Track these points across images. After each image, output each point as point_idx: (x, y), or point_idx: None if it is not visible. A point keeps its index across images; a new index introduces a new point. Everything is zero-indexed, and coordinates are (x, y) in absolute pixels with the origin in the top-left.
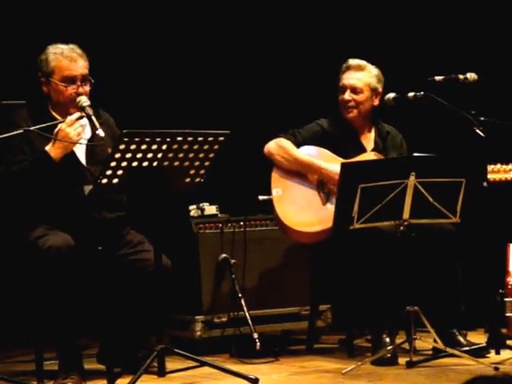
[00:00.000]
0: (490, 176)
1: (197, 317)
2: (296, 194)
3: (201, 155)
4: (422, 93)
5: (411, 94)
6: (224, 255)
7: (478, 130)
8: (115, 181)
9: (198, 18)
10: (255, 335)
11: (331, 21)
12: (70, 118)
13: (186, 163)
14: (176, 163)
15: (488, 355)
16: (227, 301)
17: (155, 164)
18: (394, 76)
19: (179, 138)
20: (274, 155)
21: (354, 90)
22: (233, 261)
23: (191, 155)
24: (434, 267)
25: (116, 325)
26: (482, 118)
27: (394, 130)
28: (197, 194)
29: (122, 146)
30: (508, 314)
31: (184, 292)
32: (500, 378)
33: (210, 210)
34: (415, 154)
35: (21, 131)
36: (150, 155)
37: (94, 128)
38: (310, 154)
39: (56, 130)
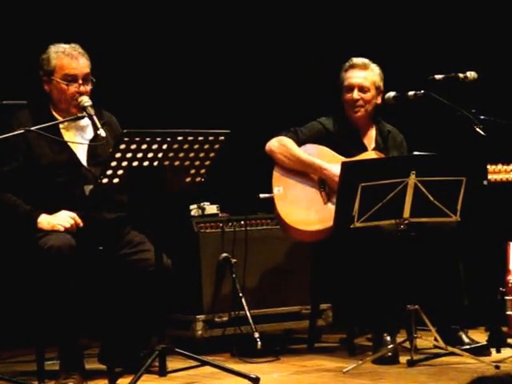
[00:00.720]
0: (491, 176)
1: (198, 316)
2: (297, 192)
3: (201, 154)
4: (422, 91)
5: (411, 93)
6: (225, 254)
7: (478, 129)
8: (116, 180)
9: (198, 17)
10: (256, 334)
11: (331, 19)
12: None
13: (187, 163)
14: (177, 163)
15: (489, 354)
16: (228, 300)
17: (156, 164)
18: (395, 75)
19: (180, 138)
20: (276, 153)
21: (362, 89)
22: (234, 260)
23: (192, 155)
24: (435, 266)
25: (117, 324)
26: (482, 117)
27: (394, 130)
28: (197, 193)
29: (122, 146)
30: (508, 313)
31: (185, 291)
32: (503, 377)
33: (211, 209)
34: (415, 153)
35: (21, 131)
36: (150, 155)
37: (95, 128)
38: (311, 152)
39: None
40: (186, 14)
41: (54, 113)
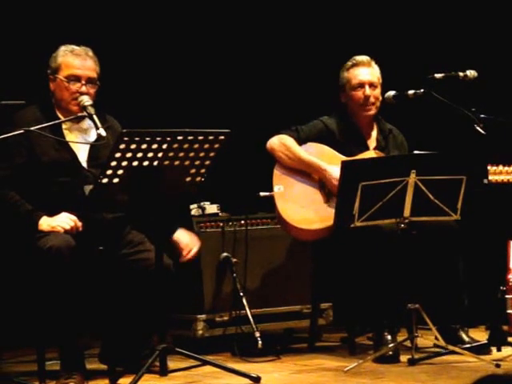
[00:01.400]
0: (492, 177)
1: (198, 316)
2: (298, 191)
3: (201, 154)
4: (422, 90)
5: (411, 92)
6: (225, 254)
7: (478, 128)
8: (116, 180)
9: (197, 15)
10: (257, 334)
11: (331, 18)
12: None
13: (187, 162)
14: (177, 162)
15: (489, 352)
16: (229, 299)
17: (156, 163)
18: (394, 74)
19: (180, 137)
20: (276, 151)
21: (371, 86)
22: (234, 260)
23: (192, 154)
24: (435, 265)
25: (118, 324)
26: (482, 116)
27: (395, 129)
28: (198, 193)
29: (122, 146)
30: (509, 311)
31: (185, 291)
32: (507, 376)
33: (211, 208)
34: (415, 152)
35: (21, 131)
36: (150, 154)
37: (95, 128)
38: (312, 151)
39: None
40: (186, 13)
41: (58, 112)
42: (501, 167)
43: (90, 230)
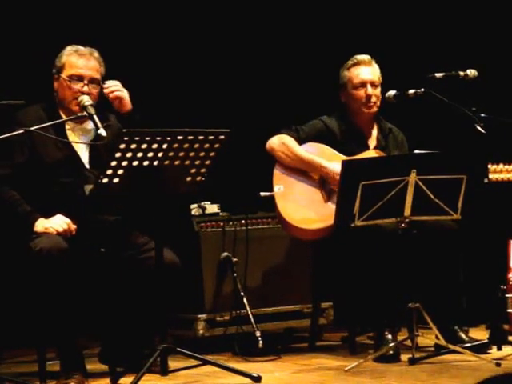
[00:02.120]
0: (493, 176)
1: (199, 315)
2: (298, 191)
3: (202, 154)
4: (423, 90)
5: (411, 91)
6: (226, 254)
7: (478, 127)
8: (116, 180)
9: (198, 16)
10: (258, 333)
11: (331, 18)
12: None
13: (187, 162)
14: (177, 162)
15: (490, 351)
16: (229, 299)
17: (156, 163)
18: (395, 73)
19: (180, 137)
20: (276, 151)
21: (373, 84)
22: (235, 259)
23: (192, 154)
24: (436, 264)
25: (119, 324)
26: (482, 115)
27: (395, 128)
28: (198, 192)
29: (122, 146)
30: (509, 310)
31: (186, 291)
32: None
33: (212, 208)
34: (416, 151)
35: (21, 131)
36: (150, 154)
37: (96, 128)
38: (312, 151)
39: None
40: (187, 13)
41: (61, 112)
42: (501, 165)
43: (91, 232)
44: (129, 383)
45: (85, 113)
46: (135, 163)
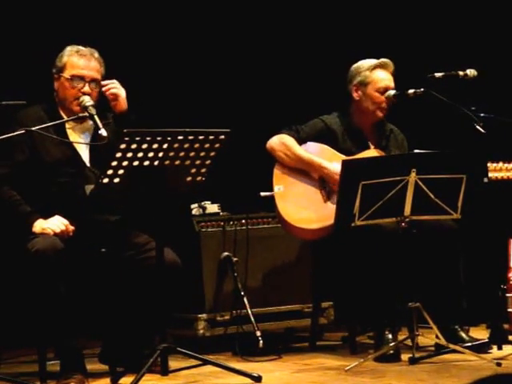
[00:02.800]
0: (492, 175)
1: (199, 315)
2: (298, 191)
3: (202, 154)
4: (422, 89)
5: (411, 91)
6: (226, 253)
7: (478, 127)
8: (117, 180)
9: (198, 16)
10: (258, 333)
11: (331, 17)
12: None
13: (188, 162)
14: (177, 162)
15: (490, 351)
16: (230, 299)
17: (156, 163)
18: (395, 73)
19: (180, 137)
20: (276, 151)
21: (387, 90)
22: (235, 259)
23: (192, 154)
24: (436, 263)
25: (120, 324)
26: (482, 114)
27: (396, 129)
28: (198, 192)
29: (122, 146)
30: (510, 310)
31: (186, 291)
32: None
33: (212, 208)
34: (416, 151)
35: (22, 131)
36: (151, 154)
37: (96, 128)
38: (312, 150)
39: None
40: (187, 13)
41: (61, 112)
42: (501, 164)
43: (91, 232)
44: (129, 383)
45: (86, 113)
46: (136, 163)
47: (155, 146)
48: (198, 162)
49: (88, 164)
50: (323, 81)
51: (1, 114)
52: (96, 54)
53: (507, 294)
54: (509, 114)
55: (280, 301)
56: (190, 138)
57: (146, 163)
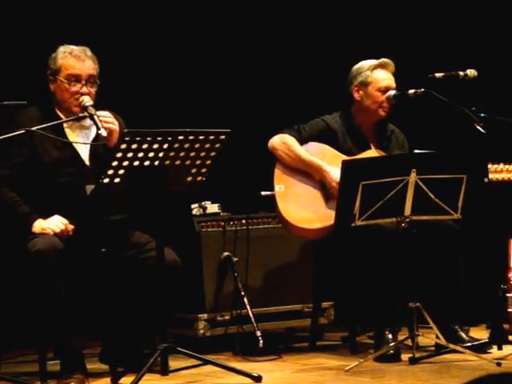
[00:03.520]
0: (493, 176)
1: (200, 315)
2: (298, 190)
3: (202, 154)
4: (423, 90)
5: (411, 91)
6: (226, 253)
7: (478, 127)
8: (117, 180)
9: (198, 16)
10: (258, 333)
11: (331, 17)
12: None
13: (188, 162)
14: (177, 162)
15: (490, 351)
16: (230, 299)
17: (157, 163)
18: (395, 73)
19: (181, 137)
20: (278, 151)
21: (388, 89)
22: (235, 259)
23: (193, 154)
24: (436, 263)
25: (121, 324)
26: (482, 115)
27: (397, 129)
28: (199, 192)
29: (123, 146)
30: (510, 310)
31: (187, 290)
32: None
33: (212, 208)
34: (416, 151)
35: (22, 131)
36: (151, 154)
37: (96, 128)
38: (313, 150)
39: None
40: (187, 13)
41: (59, 112)
42: (501, 165)
43: (92, 232)
44: (129, 383)
45: (86, 113)
46: (136, 163)
47: (156, 145)
48: (198, 162)
49: (87, 162)
50: (324, 81)
51: (1, 114)
52: (89, 52)
53: (507, 294)
54: (509, 114)
55: (280, 301)
56: (191, 137)
57: (147, 163)
